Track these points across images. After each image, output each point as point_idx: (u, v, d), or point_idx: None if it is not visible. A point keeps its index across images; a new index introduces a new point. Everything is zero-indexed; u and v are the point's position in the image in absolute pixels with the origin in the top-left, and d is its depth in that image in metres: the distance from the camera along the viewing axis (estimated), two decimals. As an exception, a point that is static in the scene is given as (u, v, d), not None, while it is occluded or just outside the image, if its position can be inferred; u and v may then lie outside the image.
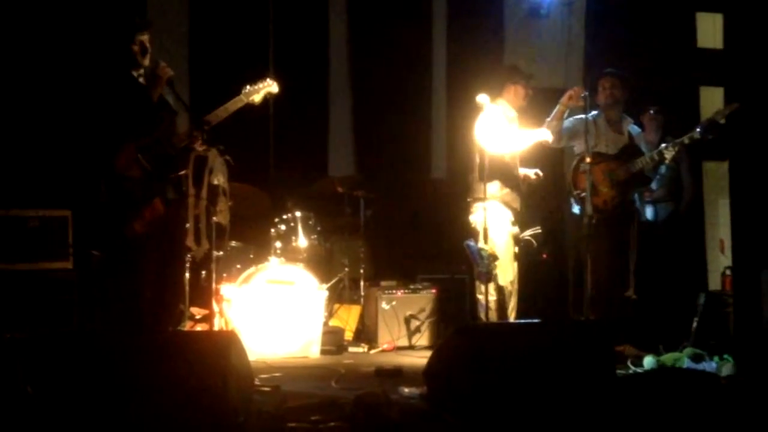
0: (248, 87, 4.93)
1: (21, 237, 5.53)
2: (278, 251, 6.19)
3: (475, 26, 7.66)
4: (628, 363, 4.83)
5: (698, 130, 5.56)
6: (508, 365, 3.58)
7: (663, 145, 5.70)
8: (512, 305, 5.61)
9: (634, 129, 5.94)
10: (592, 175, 5.42)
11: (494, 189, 5.55)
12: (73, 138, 5.85)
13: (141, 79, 4.72)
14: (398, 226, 7.34)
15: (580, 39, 7.84)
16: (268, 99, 5.03)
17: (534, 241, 5.62)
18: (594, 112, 5.78)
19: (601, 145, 5.74)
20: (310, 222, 6.41)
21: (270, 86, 4.97)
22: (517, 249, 5.64)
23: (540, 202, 6.26)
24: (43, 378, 3.36)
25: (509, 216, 5.62)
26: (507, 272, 5.52)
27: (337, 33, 7.60)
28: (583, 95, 5.44)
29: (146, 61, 4.67)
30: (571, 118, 5.72)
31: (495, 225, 5.50)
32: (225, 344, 3.50)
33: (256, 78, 5.06)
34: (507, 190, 5.61)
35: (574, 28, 7.87)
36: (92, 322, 5.40)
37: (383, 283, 6.54)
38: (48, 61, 6.19)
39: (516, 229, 5.65)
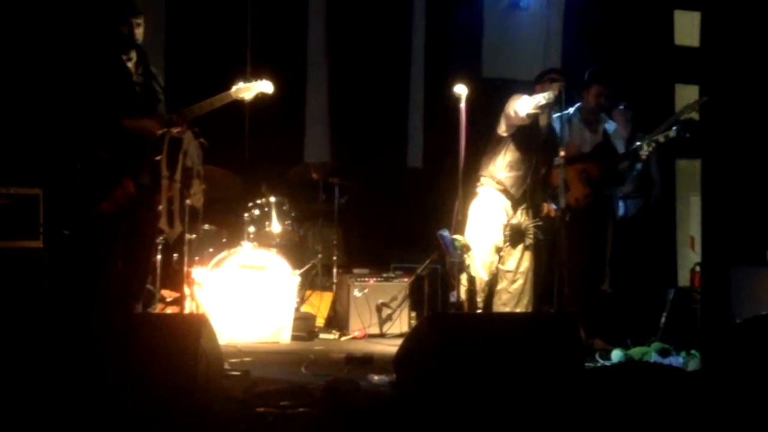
0: (240, 84, 4.81)
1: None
2: (251, 236, 6.17)
3: (454, 17, 7.66)
4: (596, 356, 4.88)
5: (675, 128, 5.58)
6: (476, 355, 3.61)
7: (637, 144, 5.71)
8: (504, 299, 5.59)
9: (610, 126, 5.95)
10: (565, 174, 5.40)
11: (501, 170, 5.54)
12: (47, 117, 5.81)
13: (129, 64, 4.65)
14: (372, 214, 7.35)
15: (558, 33, 7.87)
16: (258, 98, 4.91)
17: (540, 233, 5.62)
18: (571, 110, 5.78)
19: (573, 143, 5.74)
20: (284, 207, 6.40)
21: (263, 86, 4.86)
22: (530, 240, 5.61)
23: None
24: (9, 356, 3.33)
25: (503, 203, 5.57)
26: (485, 264, 5.53)
27: (315, 18, 7.56)
28: (559, 90, 5.40)
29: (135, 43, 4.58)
30: (555, 116, 5.69)
31: (484, 215, 5.53)
32: (195, 327, 3.49)
33: (237, 69, 4.99)
34: (512, 174, 5.55)
35: (553, 22, 7.90)
36: (62, 301, 5.36)
37: (356, 271, 6.54)
38: (25, 38, 6.11)
39: (518, 220, 5.59)
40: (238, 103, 5.00)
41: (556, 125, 5.56)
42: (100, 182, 4.40)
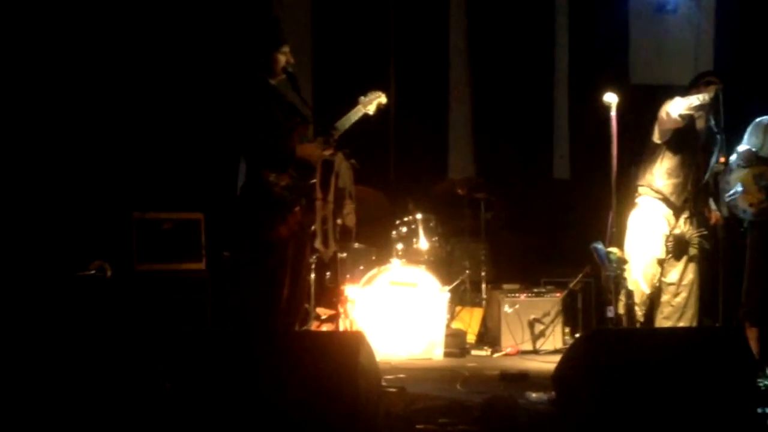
0: (362, 98, 4.95)
1: (156, 239, 5.77)
2: (400, 253, 6.22)
3: (598, 23, 7.51)
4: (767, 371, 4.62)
5: None
6: (638, 373, 3.49)
7: None
8: (666, 313, 5.38)
9: None
10: (743, 178, 5.15)
11: (659, 179, 5.36)
12: (212, 144, 6.10)
13: (280, 90, 4.82)
14: (520, 228, 7.26)
15: (709, 35, 7.59)
16: (380, 108, 5.01)
17: (706, 243, 5.40)
18: None
19: (764, 150, 5.45)
20: (431, 224, 6.41)
21: (380, 97, 4.99)
22: (694, 251, 5.38)
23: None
24: (181, 374, 3.49)
25: (664, 212, 5.37)
26: (646, 277, 5.33)
27: (457, 35, 7.60)
28: (716, 92, 5.18)
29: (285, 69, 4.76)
30: (755, 122, 5.42)
31: (644, 226, 5.37)
32: (354, 344, 3.54)
33: (373, 84, 5.09)
34: (671, 182, 5.35)
35: (702, 25, 7.62)
36: (225, 321, 5.57)
37: (505, 286, 6.46)
38: (187, 67, 6.41)
39: (681, 230, 5.37)
40: (383, 123, 5.09)
41: (754, 131, 5.31)
42: (281, 208, 4.55)
